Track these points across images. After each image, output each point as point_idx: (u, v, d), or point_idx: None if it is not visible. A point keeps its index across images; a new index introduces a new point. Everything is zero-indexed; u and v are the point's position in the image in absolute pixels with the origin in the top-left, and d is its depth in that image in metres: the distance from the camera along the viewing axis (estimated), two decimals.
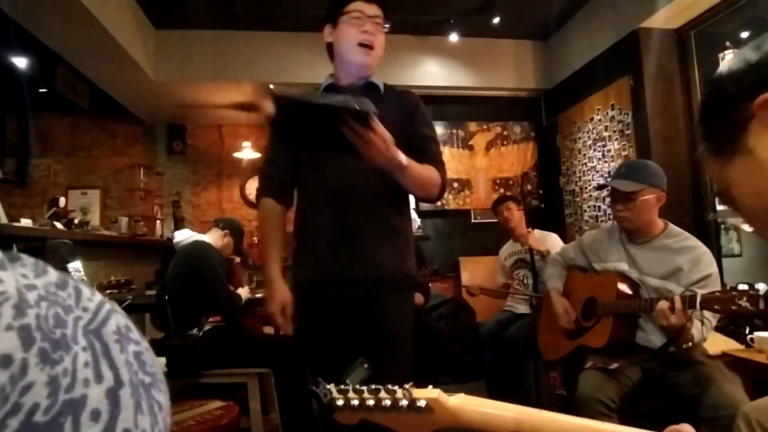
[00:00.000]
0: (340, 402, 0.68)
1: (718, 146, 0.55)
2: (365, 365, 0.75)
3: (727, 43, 3.17)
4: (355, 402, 0.67)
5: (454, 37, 4.59)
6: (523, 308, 3.20)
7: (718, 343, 2.16)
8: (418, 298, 2.92)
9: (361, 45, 1.47)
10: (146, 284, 3.97)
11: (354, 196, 1.46)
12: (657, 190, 1.87)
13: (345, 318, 1.45)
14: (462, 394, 0.67)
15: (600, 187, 2.00)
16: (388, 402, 0.65)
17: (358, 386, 0.68)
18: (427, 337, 2.93)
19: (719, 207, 3.79)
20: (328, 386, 0.70)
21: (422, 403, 0.64)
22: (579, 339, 2.04)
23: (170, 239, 3.20)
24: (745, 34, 3.52)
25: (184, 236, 2.79)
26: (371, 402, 0.66)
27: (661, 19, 3.54)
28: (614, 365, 1.84)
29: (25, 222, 2.78)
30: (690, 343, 1.70)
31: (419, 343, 2.87)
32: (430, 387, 0.67)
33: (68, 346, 0.24)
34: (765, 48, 0.51)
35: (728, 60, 0.56)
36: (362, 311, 1.47)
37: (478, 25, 4.46)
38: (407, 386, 0.66)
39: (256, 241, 5.68)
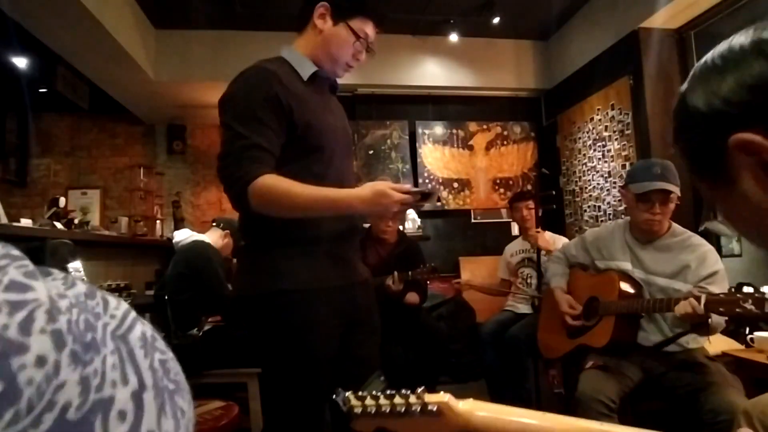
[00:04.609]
0: (359, 410, 0.70)
1: (701, 171, 0.54)
2: (381, 378, 0.77)
3: None
4: (372, 409, 0.69)
5: (454, 37, 4.59)
6: (524, 308, 3.20)
7: (718, 344, 2.16)
8: (413, 297, 2.92)
9: (348, 65, 1.45)
10: (146, 284, 3.97)
11: None
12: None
13: (353, 321, 1.42)
14: (471, 399, 0.69)
15: (644, 193, 1.83)
16: (402, 408, 0.67)
17: (374, 392, 0.70)
18: (427, 337, 2.93)
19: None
20: (346, 394, 0.71)
21: (433, 408, 0.66)
22: (580, 338, 2.04)
23: (170, 239, 3.19)
24: None
25: (183, 236, 2.79)
26: (387, 408, 0.68)
27: (661, 19, 3.54)
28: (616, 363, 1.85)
29: (25, 222, 2.78)
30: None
31: (419, 343, 2.89)
32: (441, 392, 0.69)
33: (98, 348, 0.26)
34: (716, 62, 0.49)
35: (693, 71, 0.53)
36: (365, 311, 1.47)
37: (478, 25, 4.46)
38: (419, 390, 0.68)
39: None
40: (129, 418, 0.26)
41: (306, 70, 1.40)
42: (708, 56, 0.51)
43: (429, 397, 0.67)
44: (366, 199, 1.23)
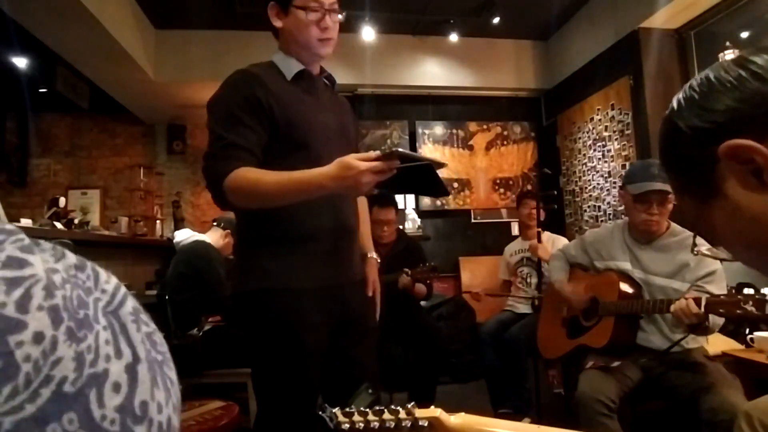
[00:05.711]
0: (346, 426, 0.68)
1: (690, 189, 0.54)
2: (369, 390, 0.76)
3: (727, 43, 3.17)
4: (361, 425, 0.67)
5: (454, 37, 4.59)
6: (524, 308, 3.19)
7: (718, 344, 2.16)
8: (420, 288, 2.92)
9: (321, 40, 1.41)
10: (146, 284, 3.97)
11: (346, 197, 1.42)
12: None
13: (345, 321, 1.42)
14: (462, 414, 0.68)
15: (642, 194, 1.82)
16: (391, 423, 0.66)
17: (362, 408, 0.68)
18: (427, 337, 2.93)
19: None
20: (333, 410, 0.70)
21: (424, 423, 0.65)
22: (579, 338, 2.04)
23: (170, 239, 3.19)
24: (745, 34, 3.52)
25: (184, 236, 2.79)
26: (376, 424, 0.67)
27: (661, 19, 3.54)
28: (616, 363, 1.84)
29: (25, 222, 2.78)
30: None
31: (419, 343, 2.89)
32: (432, 407, 0.68)
33: (91, 325, 0.27)
34: (704, 87, 0.51)
35: (677, 97, 0.54)
36: (359, 312, 1.46)
37: (478, 25, 4.46)
38: (410, 406, 0.67)
39: None
40: (123, 389, 0.27)
41: (291, 69, 1.43)
42: (690, 84, 0.53)
43: (420, 413, 0.66)
44: (332, 174, 1.15)
